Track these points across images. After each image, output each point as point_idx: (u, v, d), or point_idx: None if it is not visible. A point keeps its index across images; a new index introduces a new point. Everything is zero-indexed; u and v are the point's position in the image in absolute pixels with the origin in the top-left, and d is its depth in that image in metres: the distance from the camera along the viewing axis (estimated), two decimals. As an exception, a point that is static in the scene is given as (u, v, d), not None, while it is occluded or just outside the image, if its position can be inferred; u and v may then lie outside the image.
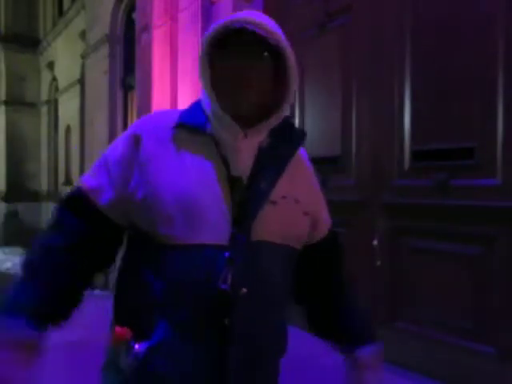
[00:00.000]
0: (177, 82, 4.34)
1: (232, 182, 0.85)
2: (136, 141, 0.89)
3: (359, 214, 2.93)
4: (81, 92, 8.75)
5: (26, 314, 0.81)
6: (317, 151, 3.27)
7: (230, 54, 0.85)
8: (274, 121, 0.89)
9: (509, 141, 2.20)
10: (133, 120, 6.33)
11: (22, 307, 0.81)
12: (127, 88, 6.57)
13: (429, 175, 2.53)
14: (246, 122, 0.87)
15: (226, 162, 0.86)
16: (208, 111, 0.88)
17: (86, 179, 0.92)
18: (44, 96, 11.71)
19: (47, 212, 11.24)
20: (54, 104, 11.22)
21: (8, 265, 8.42)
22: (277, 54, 0.86)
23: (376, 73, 2.86)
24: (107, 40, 6.65)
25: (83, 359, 2.97)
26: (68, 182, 10.06)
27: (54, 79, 10.99)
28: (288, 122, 0.94)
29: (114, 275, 0.97)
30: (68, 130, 10.03)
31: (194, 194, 0.83)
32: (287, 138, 0.92)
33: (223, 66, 0.86)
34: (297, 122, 3.46)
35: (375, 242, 2.81)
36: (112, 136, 6.56)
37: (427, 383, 2.44)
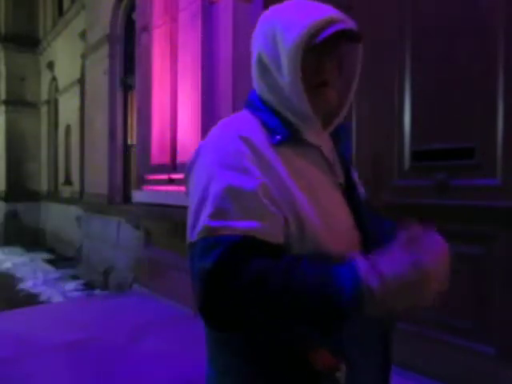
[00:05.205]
0: (177, 82, 4.34)
1: (339, 188, 0.84)
2: (251, 146, 0.75)
3: (359, 214, 2.92)
4: (81, 92, 8.75)
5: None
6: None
7: (321, 51, 0.79)
8: (339, 120, 0.86)
9: (509, 141, 2.20)
10: (133, 120, 6.32)
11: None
12: (127, 88, 6.57)
13: (429, 175, 2.53)
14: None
15: (332, 170, 0.83)
16: (286, 113, 0.80)
17: (237, 224, 0.70)
18: (44, 96, 11.72)
19: (47, 212, 11.25)
20: (54, 104, 11.23)
21: (8, 265, 8.42)
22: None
23: (376, 73, 2.86)
24: (107, 40, 6.66)
25: (83, 359, 2.98)
26: (68, 182, 10.06)
27: (54, 79, 10.99)
28: None
29: (113, 275, 0.91)
30: (68, 129, 10.04)
31: (329, 207, 0.78)
32: (338, 135, 0.89)
33: (315, 64, 0.79)
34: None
35: (375, 242, 2.80)
36: (112, 136, 6.57)
37: (427, 383, 2.44)
